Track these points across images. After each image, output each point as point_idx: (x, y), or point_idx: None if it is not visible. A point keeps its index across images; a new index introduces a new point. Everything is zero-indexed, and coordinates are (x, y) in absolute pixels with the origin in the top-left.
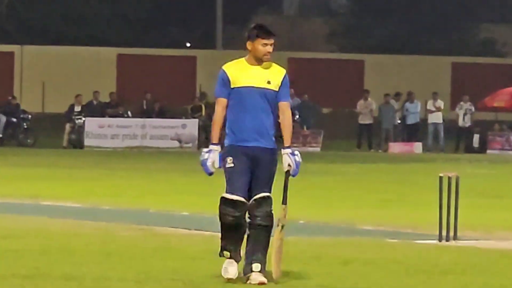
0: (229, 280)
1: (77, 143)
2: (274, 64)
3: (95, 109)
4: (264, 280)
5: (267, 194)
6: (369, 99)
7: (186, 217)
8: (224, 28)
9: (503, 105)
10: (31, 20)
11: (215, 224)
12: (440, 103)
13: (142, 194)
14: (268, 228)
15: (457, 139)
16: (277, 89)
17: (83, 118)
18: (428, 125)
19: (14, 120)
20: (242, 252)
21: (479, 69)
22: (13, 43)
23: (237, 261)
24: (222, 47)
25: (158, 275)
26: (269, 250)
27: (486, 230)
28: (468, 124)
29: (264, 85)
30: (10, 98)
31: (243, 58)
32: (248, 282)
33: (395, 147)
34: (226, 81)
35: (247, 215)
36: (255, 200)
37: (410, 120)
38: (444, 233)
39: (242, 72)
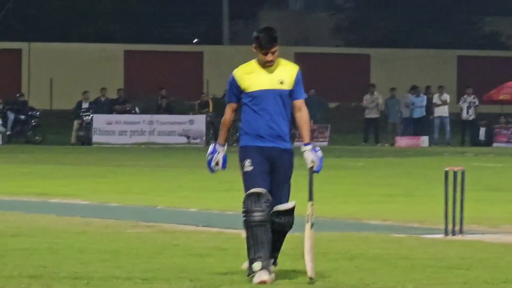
0: (261, 283)
1: (85, 140)
2: (285, 62)
3: (103, 106)
4: (267, 278)
5: (291, 206)
6: (375, 93)
7: (193, 213)
8: (230, 24)
9: (509, 98)
10: (38, 17)
11: (223, 220)
12: (446, 96)
13: (150, 190)
14: (285, 234)
15: (462, 133)
16: (291, 88)
17: (91, 115)
18: (434, 118)
19: (22, 117)
20: (273, 267)
21: (485, 62)
22: (20, 40)
23: (270, 272)
24: (228, 43)
25: (165, 272)
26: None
27: (492, 224)
28: (472, 117)
29: (277, 86)
30: (18, 95)
31: (254, 60)
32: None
33: (402, 141)
34: (235, 86)
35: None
36: (278, 211)
37: (416, 114)
38: (450, 227)
39: (253, 76)
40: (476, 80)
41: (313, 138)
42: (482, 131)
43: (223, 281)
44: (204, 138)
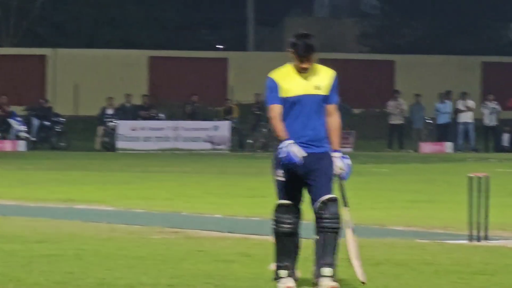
0: None
1: (109, 146)
2: (322, 67)
3: (127, 112)
4: (335, 284)
5: (334, 195)
6: (399, 99)
7: (219, 219)
8: (255, 30)
9: None
10: (64, 23)
11: (248, 226)
12: (471, 102)
13: (175, 196)
14: (336, 231)
15: (485, 139)
16: (327, 93)
17: (116, 121)
18: (458, 124)
19: (47, 123)
20: (299, 273)
21: (509, 69)
22: (45, 46)
23: (295, 280)
24: (253, 49)
25: (191, 278)
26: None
27: None
28: (494, 123)
29: (313, 91)
30: (42, 101)
31: (289, 64)
32: (317, 287)
33: (426, 147)
34: (275, 87)
35: (313, 219)
36: (322, 202)
37: (441, 120)
38: (474, 233)
39: (289, 80)
40: (500, 86)
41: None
42: (506, 137)
43: (248, 287)
44: (228, 144)
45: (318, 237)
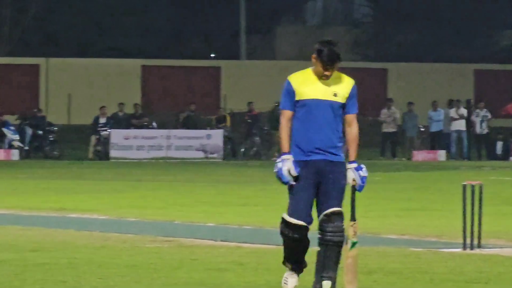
0: None
1: (102, 155)
2: (342, 75)
3: (120, 121)
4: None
5: (339, 209)
6: (392, 107)
7: (212, 228)
8: (247, 39)
9: None
10: (56, 33)
11: (241, 235)
12: (463, 110)
13: (168, 205)
14: (339, 244)
15: (477, 147)
16: (344, 101)
17: (109, 130)
18: (451, 132)
19: (40, 132)
20: (306, 261)
21: (502, 76)
22: (38, 55)
23: (299, 273)
24: (246, 57)
25: (184, 287)
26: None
27: (510, 238)
28: (485, 131)
29: (331, 97)
30: (35, 110)
31: (310, 69)
32: None
33: (419, 155)
34: (291, 92)
35: (317, 230)
36: (326, 215)
37: (434, 128)
38: (468, 241)
39: (308, 84)
40: (493, 94)
41: None
42: (499, 145)
43: None
44: (221, 152)
45: (319, 249)
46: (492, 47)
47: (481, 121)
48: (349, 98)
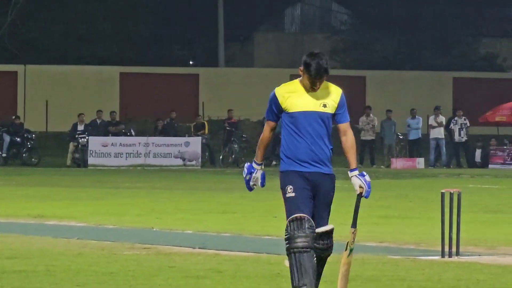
0: None
1: (81, 162)
2: (330, 85)
3: (98, 128)
4: None
5: (331, 227)
6: (371, 115)
7: (190, 235)
8: (226, 46)
9: (505, 119)
10: (34, 40)
11: (219, 242)
12: (442, 118)
13: (146, 212)
14: (325, 259)
15: (456, 154)
16: (333, 111)
17: (87, 137)
18: (430, 140)
19: (18, 139)
20: None
21: (481, 84)
22: (16, 62)
23: None
24: (224, 65)
25: None
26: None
27: (489, 246)
28: (464, 138)
29: (320, 108)
30: (13, 117)
31: (297, 80)
32: None
33: (398, 163)
34: (275, 104)
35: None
36: (316, 232)
37: (412, 136)
38: (446, 249)
39: (296, 96)
40: (472, 102)
41: None
42: (478, 152)
43: None
44: (199, 160)
45: None
46: (471, 55)
47: (460, 129)
48: (339, 107)
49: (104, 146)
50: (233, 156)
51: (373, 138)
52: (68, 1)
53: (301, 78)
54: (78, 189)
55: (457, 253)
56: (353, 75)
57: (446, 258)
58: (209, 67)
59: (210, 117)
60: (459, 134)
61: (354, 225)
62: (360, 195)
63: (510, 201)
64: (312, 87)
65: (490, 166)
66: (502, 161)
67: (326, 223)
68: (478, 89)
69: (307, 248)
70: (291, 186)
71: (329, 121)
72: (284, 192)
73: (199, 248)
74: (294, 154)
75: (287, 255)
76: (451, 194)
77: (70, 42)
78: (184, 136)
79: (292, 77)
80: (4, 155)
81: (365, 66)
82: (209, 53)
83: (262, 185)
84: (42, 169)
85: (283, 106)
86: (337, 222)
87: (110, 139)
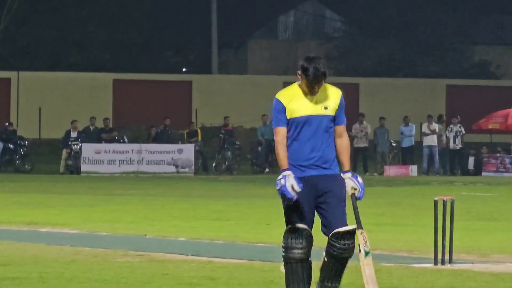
0: None
1: (74, 169)
2: (328, 86)
3: (91, 135)
4: None
5: (353, 227)
6: (364, 122)
7: (183, 242)
8: (219, 53)
9: (498, 127)
10: (27, 46)
11: (212, 250)
12: (435, 126)
13: (139, 219)
14: (346, 260)
15: (450, 162)
16: (334, 113)
17: (80, 144)
18: (423, 148)
19: (11, 146)
20: None
21: (474, 92)
22: (9, 69)
23: None
24: (217, 72)
25: None
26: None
27: (481, 253)
28: (459, 146)
29: (321, 111)
30: (6, 124)
31: (296, 84)
32: None
33: (391, 170)
34: (282, 109)
35: (325, 243)
36: (338, 232)
37: (405, 143)
38: (439, 256)
39: (296, 101)
40: (465, 109)
41: None
42: (471, 160)
43: None
44: (192, 167)
45: (325, 259)
46: (464, 63)
47: (455, 137)
48: (339, 109)
49: (97, 153)
50: (226, 163)
51: (366, 145)
52: (61, 7)
53: (299, 82)
54: (71, 196)
55: (450, 261)
56: (346, 82)
57: (439, 266)
58: (202, 74)
59: (203, 124)
60: (454, 142)
61: (359, 226)
62: (354, 196)
63: (503, 208)
64: (311, 91)
65: (483, 173)
66: (495, 169)
67: (343, 223)
68: (471, 97)
69: (303, 259)
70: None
71: (330, 123)
72: (283, 199)
73: (192, 255)
74: (296, 159)
75: (283, 262)
76: (444, 202)
77: (63, 49)
78: (177, 143)
79: (286, 84)
80: None
81: (358, 73)
82: (202, 60)
83: (300, 187)
84: (35, 176)
85: (287, 110)
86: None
87: (103, 146)
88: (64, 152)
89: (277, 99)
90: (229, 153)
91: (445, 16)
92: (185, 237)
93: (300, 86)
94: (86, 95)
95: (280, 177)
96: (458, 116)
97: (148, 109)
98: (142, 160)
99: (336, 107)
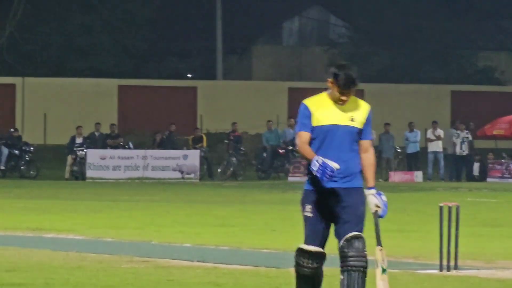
0: None
1: (79, 175)
2: (357, 99)
3: (96, 141)
4: None
5: (359, 233)
6: None
7: (188, 248)
8: (224, 59)
9: (503, 133)
10: (32, 52)
11: (217, 256)
12: (440, 131)
13: (144, 226)
14: (363, 270)
15: (456, 168)
16: (360, 126)
17: (85, 150)
18: (428, 154)
19: (17, 152)
20: None
21: (478, 97)
22: (14, 75)
23: None
24: (222, 77)
25: None
26: None
27: (487, 259)
28: (465, 152)
29: (348, 122)
30: (12, 130)
31: (325, 93)
32: None
33: (396, 176)
34: (308, 115)
35: (338, 258)
36: (346, 240)
37: (410, 149)
38: (445, 262)
39: (324, 109)
40: (469, 115)
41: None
42: (476, 166)
43: None
44: (198, 173)
45: (342, 277)
46: (468, 69)
47: (462, 143)
48: (366, 123)
49: (103, 159)
50: (231, 169)
51: None
52: (66, 14)
53: (329, 91)
54: (76, 202)
55: (456, 267)
56: None
57: (445, 272)
58: (207, 80)
59: (208, 130)
60: (461, 148)
61: (379, 243)
62: (376, 214)
63: (508, 214)
64: (340, 99)
65: (488, 179)
66: (500, 175)
67: (353, 230)
68: (476, 102)
69: (313, 276)
70: (310, 206)
71: (356, 136)
72: (303, 208)
73: (197, 261)
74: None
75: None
76: (449, 208)
77: (68, 55)
78: (183, 149)
79: (290, 90)
80: (2, 167)
81: (363, 79)
82: (207, 66)
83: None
84: (41, 182)
85: (313, 118)
86: (332, 237)
87: (108, 152)
88: (69, 158)
89: (304, 104)
90: (234, 159)
91: (450, 22)
92: (190, 243)
93: (329, 95)
94: (91, 101)
95: (312, 164)
96: (471, 124)
97: (153, 115)
98: (147, 166)
99: (364, 120)
